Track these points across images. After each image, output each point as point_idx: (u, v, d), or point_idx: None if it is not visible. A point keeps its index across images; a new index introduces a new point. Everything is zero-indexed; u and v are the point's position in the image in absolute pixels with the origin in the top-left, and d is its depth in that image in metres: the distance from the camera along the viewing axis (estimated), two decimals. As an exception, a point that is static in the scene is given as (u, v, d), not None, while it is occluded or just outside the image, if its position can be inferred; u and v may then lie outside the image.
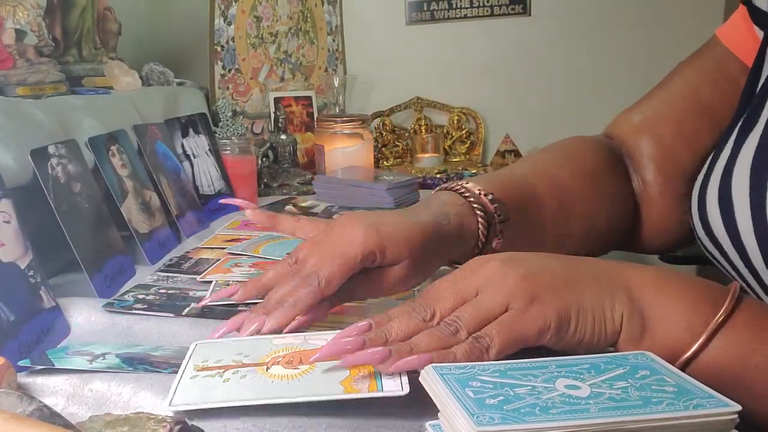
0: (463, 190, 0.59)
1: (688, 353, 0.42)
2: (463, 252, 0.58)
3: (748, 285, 0.54)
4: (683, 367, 0.42)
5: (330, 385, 0.44)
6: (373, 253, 0.52)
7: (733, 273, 0.55)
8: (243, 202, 0.64)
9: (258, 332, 0.51)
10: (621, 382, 0.38)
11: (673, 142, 0.65)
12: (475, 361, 0.41)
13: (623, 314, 0.44)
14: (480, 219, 0.58)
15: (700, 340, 0.42)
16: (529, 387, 0.37)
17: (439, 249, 0.56)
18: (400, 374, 0.43)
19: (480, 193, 0.59)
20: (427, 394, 0.39)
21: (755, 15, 0.59)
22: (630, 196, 0.68)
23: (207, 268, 0.75)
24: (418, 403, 0.45)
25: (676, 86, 0.66)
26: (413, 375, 0.42)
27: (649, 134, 0.67)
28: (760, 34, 0.58)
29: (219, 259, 0.78)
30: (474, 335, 0.43)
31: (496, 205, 0.59)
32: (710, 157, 0.58)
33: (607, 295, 0.44)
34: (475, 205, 0.58)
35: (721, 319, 0.42)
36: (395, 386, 0.43)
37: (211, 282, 0.70)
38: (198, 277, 0.72)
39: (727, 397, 0.37)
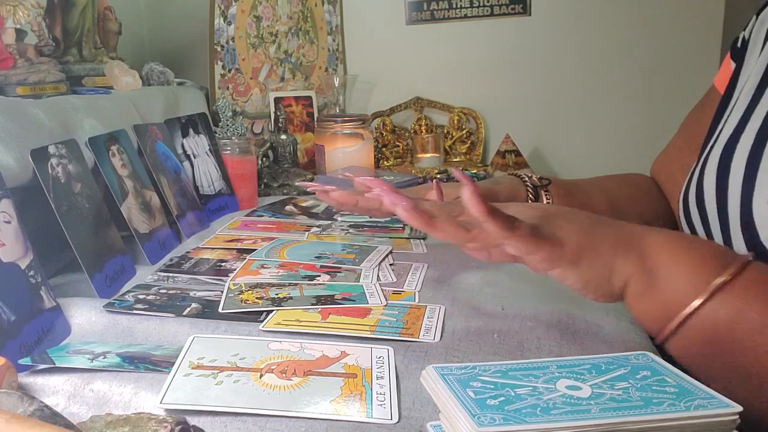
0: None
1: (689, 309, 0.47)
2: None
3: None
4: (684, 321, 0.47)
5: (320, 404, 0.44)
6: None
7: None
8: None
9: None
10: (622, 383, 0.38)
11: (682, 180, 0.72)
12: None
13: (632, 271, 0.49)
14: (528, 185, 0.75)
15: (702, 298, 0.47)
16: (531, 388, 0.37)
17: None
18: (390, 403, 0.44)
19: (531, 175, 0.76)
20: (429, 394, 0.39)
21: (733, 50, 0.69)
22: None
23: (207, 268, 0.75)
24: (419, 403, 0.45)
25: (681, 134, 0.80)
26: (415, 377, 0.42)
27: (666, 175, 0.81)
28: (733, 65, 0.68)
29: (244, 261, 0.77)
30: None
31: (540, 176, 0.76)
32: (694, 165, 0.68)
33: (620, 252, 0.50)
34: (524, 177, 0.75)
35: (722, 280, 0.46)
36: (385, 414, 0.43)
37: (224, 282, 0.70)
38: (228, 281, 0.70)
39: (720, 351, 0.42)
